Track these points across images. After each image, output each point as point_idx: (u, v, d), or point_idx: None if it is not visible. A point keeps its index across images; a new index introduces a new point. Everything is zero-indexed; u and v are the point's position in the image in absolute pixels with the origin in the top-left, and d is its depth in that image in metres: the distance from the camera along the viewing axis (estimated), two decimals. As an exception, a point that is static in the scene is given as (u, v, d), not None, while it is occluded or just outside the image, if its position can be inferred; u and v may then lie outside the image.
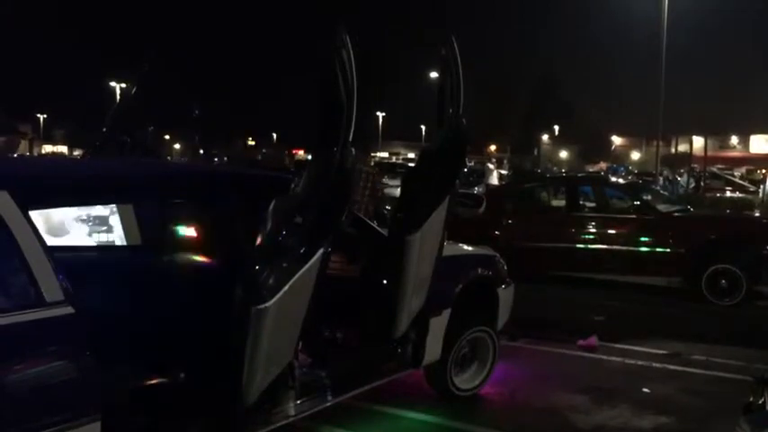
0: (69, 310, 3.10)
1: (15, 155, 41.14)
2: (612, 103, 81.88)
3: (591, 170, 56.14)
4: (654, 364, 6.90)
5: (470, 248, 6.41)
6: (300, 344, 4.14)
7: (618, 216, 11.10)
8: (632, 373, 6.66)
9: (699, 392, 6.08)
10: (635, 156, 73.77)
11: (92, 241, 5.21)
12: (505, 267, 6.50)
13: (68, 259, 3.80)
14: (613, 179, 18.45)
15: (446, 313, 5.44)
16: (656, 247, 10.41)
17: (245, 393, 3.73)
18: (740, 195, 26.97)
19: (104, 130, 5.73)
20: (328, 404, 4.56)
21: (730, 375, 6.49)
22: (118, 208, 5.15)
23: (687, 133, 36.66)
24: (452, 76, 4.91)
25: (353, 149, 3.93)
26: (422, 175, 5.06)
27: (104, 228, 5.27)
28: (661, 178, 31.04)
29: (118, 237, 5.26)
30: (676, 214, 11.12)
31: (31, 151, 64.08)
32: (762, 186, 29.90)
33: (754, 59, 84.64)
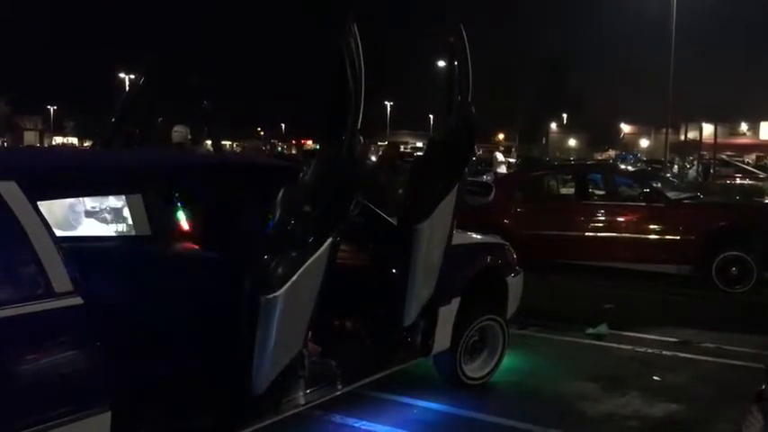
0: (78, 300, 3.10)
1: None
2: (621, 90, 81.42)
3: (599, 158, 56.05)
4: (664, 352, 6.87)
5: (480, 237, 6.40)
6: (310, 333, 4.14)
7: (627, 204, 11.06)
8: (642, 360, 6.64)
9: (710, 380, 6.06)
10: (644, 143, 73.53)
11: (100, 231, 5.21)
12: (515, 256, 6.48)
13: (77, 249, 3.80)
14: (622, 167, 18.40)
15: (455, 302, 5.43)
16: (665, 235, 10.38)
17: (254, 383, 3.74)
18: (750, 182, 26.81)
19: (113, 120, 5.73)
20: (338, 393, 4.56)
21: (742, 363, 6.46)
22: (127, 198, 5.16)
23: (696, 120, 36.55)
24: (461, 64, 4.89)
25: (362, 138, 3.92)
26: (430, 163, 5.04)
27: (113, 218, 5.27)
28: (676, 167, 30.92)
29: (127, 227, 5.26)
30: (686, 201, 11.07)
31: (41, 143, 64.41)
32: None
33: (763, 46, 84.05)
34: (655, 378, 6.13)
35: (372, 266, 5.35)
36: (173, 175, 4.49)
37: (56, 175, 3.67)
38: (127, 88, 9.05)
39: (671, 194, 11.08)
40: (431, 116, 73.74)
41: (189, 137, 8.61)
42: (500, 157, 28.24)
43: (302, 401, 4.20)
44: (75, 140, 69.88)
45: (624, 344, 7.14)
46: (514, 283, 6.32)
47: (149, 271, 4.66)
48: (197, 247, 5.03)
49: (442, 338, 5.32)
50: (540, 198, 11.95)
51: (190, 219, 5.27)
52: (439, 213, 4.84)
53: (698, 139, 34.51)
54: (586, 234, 10.79)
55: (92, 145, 6.33)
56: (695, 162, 32.30)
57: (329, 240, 3.81)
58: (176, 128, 8.67)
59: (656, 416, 5.31)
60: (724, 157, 37.41)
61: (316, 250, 3.74)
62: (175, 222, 5.28)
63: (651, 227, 10.49)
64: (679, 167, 32.07)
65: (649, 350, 6.95)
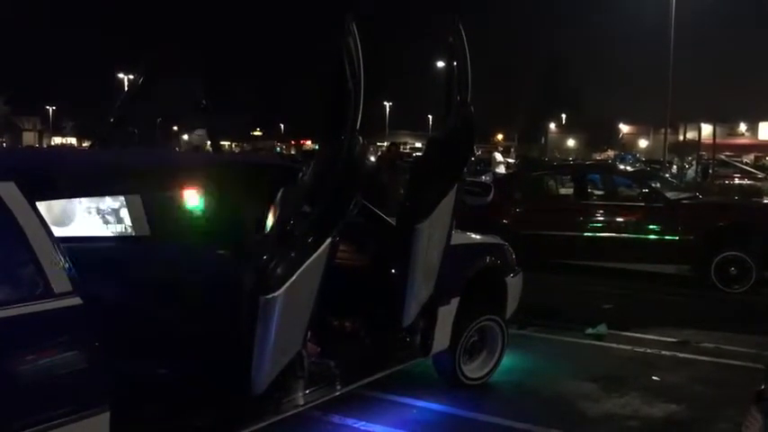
0: (77, 300, 3.09)
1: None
2: (620, 91, 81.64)
3: (598, 158, 56.03)
4: (663, 352, 6.87)
5: (479, 237, 6.40)
6: (309, 333, 4.13)
7: (626, 204, 11.07)
8: (642, 361, 6.64)
9: (709, 380, 6.06)
10: (642, 143, 73.54)
11: (99, 232, 5.20)
12: (514, 256, 6.47)
13: (76, 250, 3.79)
14: (621, 167, 18.41)
15: (455, 302, 5.43)
16: (664, 235, 10.37)
17: (254, 383, 3.74)
18: (749, 182, 26.78)
19: (112, 121, 5.72)
20: (337, 393, 4.56)
21: (741, 363, 6.46)
22: (125, 198, 5.15)
23: (695, 120, 36.58)
24: (460, 63, 4.88)
25: (361, 138, 3.91)
26: (430, 163, 5.04)
27: (112, 218, 5.27)
28: (675, 167, 30.87)
29: (126, 227, 5.26)
30: (685, 201, 11.07)
31: (40, 143, 64.40)
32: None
33: (762, 46, 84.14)
34: (654, 378, 6.13)
35: (372, 266, 5.35)
36: (172, 175, 4.49)
37: (55, 175, 3.66)
38: (126, 88, 9.04)
39: (670, 194, 11.07)
40: (429, 116, 73.85)
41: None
42: (499, 157, 28.29)
43: (301, 402, 4.20)
44: (74, 141, 69.85)
45: (623, 344, 7.14)
46: (513, 283, 6.32)
47: (148, 271, 4.66)
48: (196, 247, 5.02)
49: (442, 338, 5.32)
50: (539, 198, 11.96)
51: (189, 219, 5.27)
52: (438, 213, 4.83)
53: (697, 139, 34.45)
54: (585, 234, 10.79)
55: (90, 145, 6.32)
56: (694, 162, 32.26)
57: (328, 240, 3.81)
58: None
59: (655, 416, 5.31)
60: (723, 157, 37.35)
61: (315, 250, 3.74)
62: (174, 222, 5.27)
63: (650, 227, 10.48)
64: (678, 167, 32.02)
65: (648, 350, 6.95)
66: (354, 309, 5.21)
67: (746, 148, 57.91)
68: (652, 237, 10.46)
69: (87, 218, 5.18)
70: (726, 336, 7.32)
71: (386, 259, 5.22)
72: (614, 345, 7.13)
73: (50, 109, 78.39)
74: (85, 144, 50.13)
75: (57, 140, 71.25)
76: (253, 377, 3.72)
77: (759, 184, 25.26)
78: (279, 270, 3.58)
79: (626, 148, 69.60)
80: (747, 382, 4.80)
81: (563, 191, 13.46)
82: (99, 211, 5.23)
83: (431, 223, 4.78)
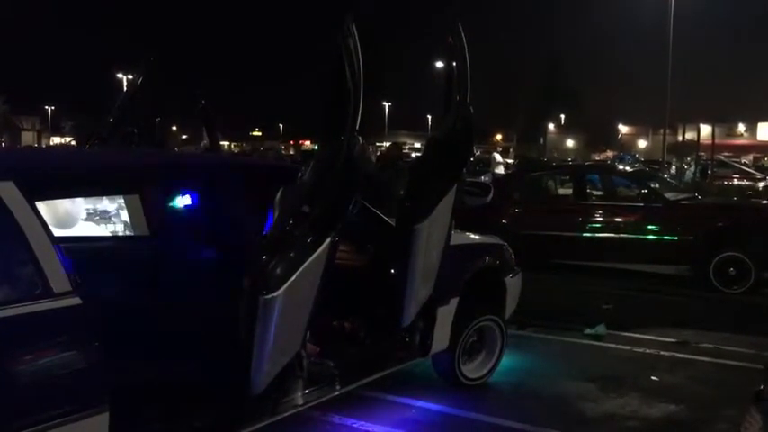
0: (76, 300, 3.09)
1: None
2: (620, 91, 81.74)
3: (597, 159, 56.07)
4: (662, 353, 6.87)
5: (478, 237, 6.40)
6: (308, 333, 4.13)
7: (625, 204, 11.06)
8: (641, 361, 6.64)
9: (708, 381, 6.06)
10: (641, 144, 73.61)
11: (99, 232, 5.20)
12: (513, 256, 6.48)
13: (76, 249, 3.79)
14: (620, 167, 18.42)
15: (454, 302, 5.43)
16: (663, 236, 10.37)
17: (253, 383, 3.74)
18: (748, 183, 26.77)
19: (111, 120, 5.73)
20: (336, 393, 4.56)
21: (740, 363, 6.46)
22: (124, 198, 5.15)
23: (694, 121, 36.65)
24: (459, 64, 4.89)
25: (360, 138, 3.91)
26: (429, 164, 5.04)
27: (112, 218, 5.26)
28: (674, 168, 30.91)
29: (125, 227, 5.25)
30: (684, 202, 11.07)
31: (39, 143, 64.42)
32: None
33: (762, 47, 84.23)
34: (653, 378, 6.13)
35: (371, 267, 5.35)
36: (171, 175, 4.49)
37: (54, 175, 3.66)
38: (125, 88, 9.04)
39: (669, 195, 11.07)
40: (429, 116, 73.89)
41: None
42: (498, 157, 28.29)
43: (301, 402, 4.20)
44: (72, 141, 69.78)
45: (622, 344, 7.14)
46: (513, 283, 6.32)
47: (147, 271, 4.66)
48: (195, 247, 5.02)
49: (441, 339, 5.32)
50: (538, 199, 11.96)
51: (188, 219, 5.26)
52: (437, 214, 4.83)
53: (695, 139, 34.51)
54: (584, 234, 10.79)
55: (89, 145, 6.30)
56: (693, 163, 32.28)
57: (328, 240, 3.81)
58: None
59: (654, 416, 5.31)
60: (721, 157, 37.37)
61: (314, 250, 3.74)
62: (173, 222, 5.27)
63: (649, 227, 10.48)
64: (677, 168, 32.06)
65: (647, 350, 6.95)
66: (354, 309, 5.21)
67: (745, 149, 57.98)
68: (651, 237, 10.45)
69: (87, 218, 5.18)
70: (725, 336, 7.32)
71: (385, 259, 5.22)
72: (613, 345, 7.13)
73: (49, 109, 78.38)
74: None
75: (56, 140, 71.22)
76: (252, 377, 3.72)
77: (759, 185, 25.25)
78: (278, 270, 3.58)
79: (625, 148, 69.59)
80: (746, 382, 4.81)
81: (562, 191, 13.46)
82: (99, 211, 5.23)
83: (430, 224, 4.79)
